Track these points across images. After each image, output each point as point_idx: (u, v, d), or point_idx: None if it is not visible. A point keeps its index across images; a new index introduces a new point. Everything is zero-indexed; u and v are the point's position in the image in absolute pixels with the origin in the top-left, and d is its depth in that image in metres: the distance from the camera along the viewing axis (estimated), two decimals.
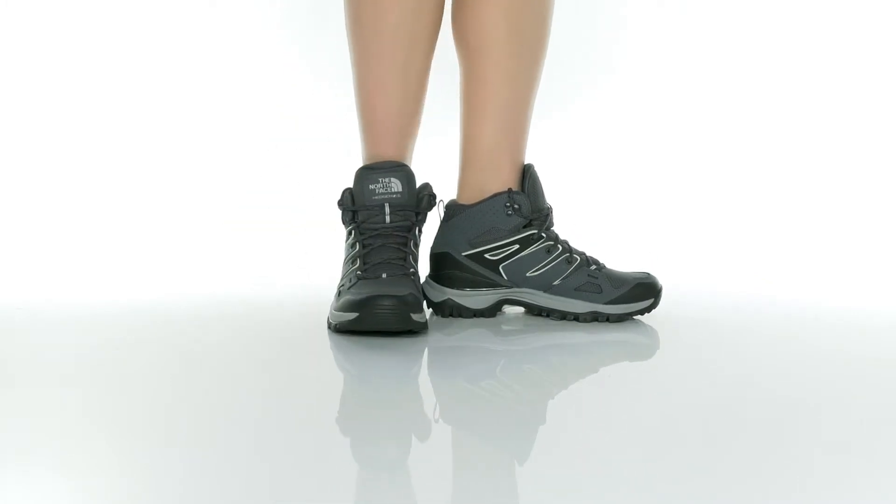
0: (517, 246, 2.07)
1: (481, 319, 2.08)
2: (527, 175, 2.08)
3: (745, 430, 1.58)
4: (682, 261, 2.66)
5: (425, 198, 2.03)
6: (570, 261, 2.07)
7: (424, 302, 2.06)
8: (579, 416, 1.65)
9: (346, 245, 2.04)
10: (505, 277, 2.07)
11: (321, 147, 3.02)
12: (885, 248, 2.81)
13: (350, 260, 2.01)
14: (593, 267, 2.08)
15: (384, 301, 1.91)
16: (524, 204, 2.06)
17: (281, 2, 3.18)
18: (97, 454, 1.45)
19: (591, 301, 2.06)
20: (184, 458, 1.44)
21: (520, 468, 1.44)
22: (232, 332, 2.03)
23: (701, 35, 3.25)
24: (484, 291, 2.08)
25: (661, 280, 2.11)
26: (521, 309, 2.14)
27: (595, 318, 2.06)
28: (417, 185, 2.04)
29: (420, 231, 2.04)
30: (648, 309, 2.08)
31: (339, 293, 1.99)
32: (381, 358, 1.86)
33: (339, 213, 2.04)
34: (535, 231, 2.07)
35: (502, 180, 2.07)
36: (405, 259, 1.99)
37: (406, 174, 2.01)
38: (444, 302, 2.08)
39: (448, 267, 2.08)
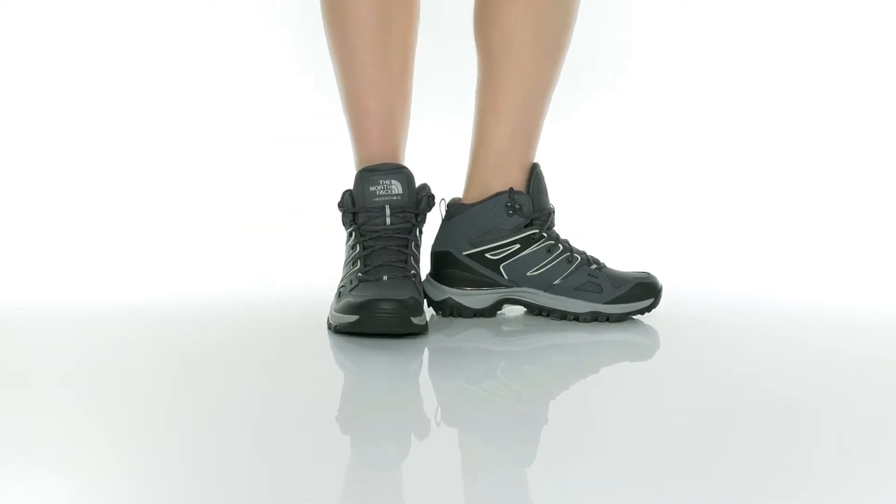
0: (518, 245, 2.07)
1: (481, 320, 2.08)
2: (532, 174, 2.08)
3: (745, 430, 1.58)
4: (682, 261, 2.66)
5: (424, 199, 2.03)
6: (570, 260, 2.08)
7: (425, 303, 2.06)
8: (579, 417, 1.65)
9: (347, 247, 2.04)
10: (505, 277, 2.07)
11: (321, 147, 3.02)
12: (885, 248, 2.81)
13: (351, 261, 2.01)
14: (594, 266, 2.08)
15: (384, 305, 1.91)
16: (525, 204, 2.06)
17: (281, 2, 3.18)
18: (97, 454, 1.45)
19: (591, 301, 2.06)
20: (184, 457, 1.44)
21: (520, 468, 1.44)
22: (232, 332, 2.03)
23: (700, 36, 3.25)
24: (484, 291, 2.08)
25: (662, 280, 2.11)
26: (522, 309, 2.14)
27: (595, 317, 2.06)
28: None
29: (420, 232, 2.04)
30: (648, 308, 2.08)
31: (340, 294, 1.99)
32: (381, 358, 1.86)
33: (339, 213, 2.04)
34: (536, 231, 2.07)
35: (508, 180, 2.08)
36: (406, 261, 1.99)
37: (406, 176, 2.01)
38: (444, 301, 2.08)
39: (449, 266, 2.08)
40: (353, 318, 1.92)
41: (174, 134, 3.15)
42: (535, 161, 2.10)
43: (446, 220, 2.09)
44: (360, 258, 2.00)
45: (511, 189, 2.07)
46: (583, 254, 2.09)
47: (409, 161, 2.09)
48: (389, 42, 2.02)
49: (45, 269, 2.52)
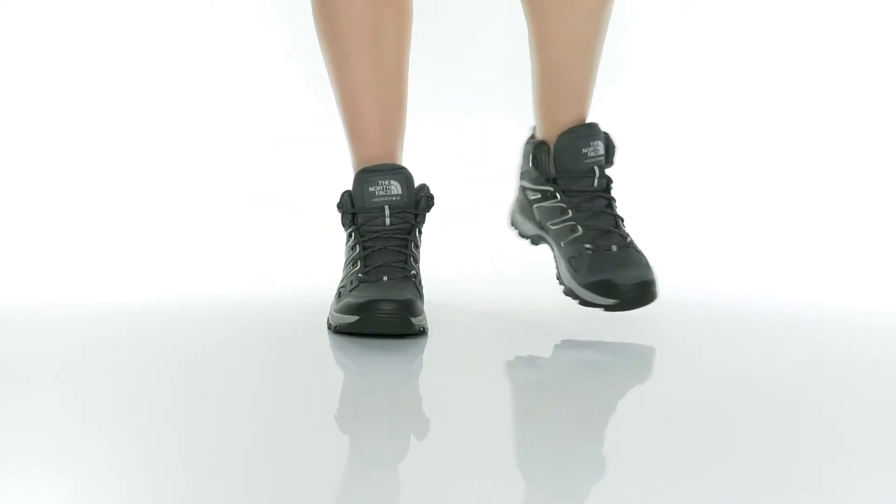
0: (539, 195, 2.09)
1: (481, 320, 2.07)
2: (564, 136, 2.07)
3: (745, 431, 1.58)
4: (682, 261, 2.66)
5: (423, 199, 2.03)
6: (572, 230, 2.05)
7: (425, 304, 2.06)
8: (579, 416, 1.65)
9: (347, 247, 2.04)
10: (536, 218, 2.10)
11: (321, 147, 3.02)
12: (885, 248, 2.81)
13: (350, 262, 2.01)
14: (587, 246, 2.04)
15: (385, 305, 1.91)
16: (543, 160, 2.08)
17: (281, 2, 3.18)
18: (97, 454, 1.45)
19: (570, 276, 2.03)
20: (184, 457, 1.44)
21: (520, 468, 1.44)
22: (232, 332, 2.03)
23: (699, 35, 3.25)
24: (529, 222, 2.14)
25: (654, 289, 2.01)
26: (523, 309, 2.13)
27: (569, 293, 2.03)
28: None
29: (420, 232, 2.04)
30: (609, 308, 2.01)
31: (340, 294, 1.99)
32: (381, 358, 1.86)
33: (339, 213, 2.04)
34: (551, 189, 2.08)
35: (544, 133, 2.10)
36: (406, 261, 2.00)
37: (405, 176, 2.01)
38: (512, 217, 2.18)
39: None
40: (354, 318, 1.92)
41: (174, 134, 3.15)
42: (589, 121, 2.10)
43: None
44: (359, 259, 2.00)
45: (540, 141, 2.10)
46: (595, 229, 2.05)
47: (407, 161, 2.09)
48: (382, 44, 2.03)
49: (45, 269, 2.52)
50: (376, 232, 2.00)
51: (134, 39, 3.17)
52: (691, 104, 3.22)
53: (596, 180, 2.06)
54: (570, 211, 2.06)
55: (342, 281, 2.01)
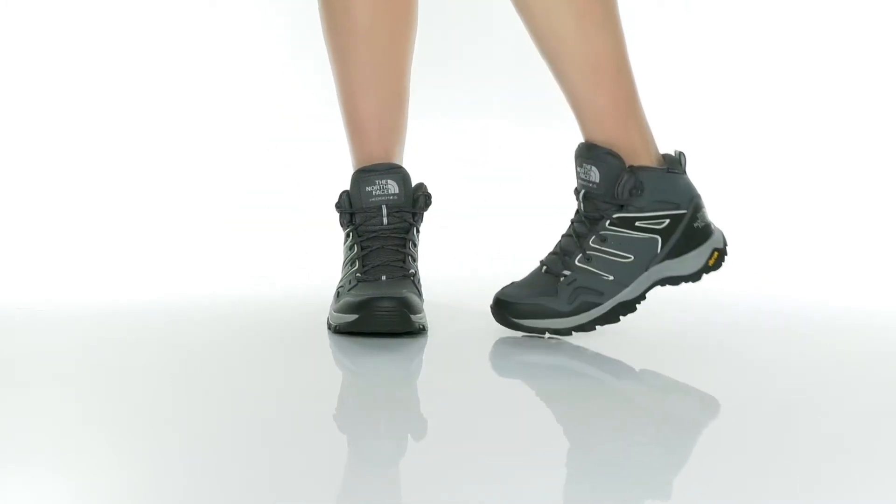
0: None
1: (481, 320, 2.07)
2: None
3: (745, 430, 1.58)
4: None
5: (421, 198, 2.03)
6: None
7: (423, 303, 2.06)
8: (579, 416, 1.65)
9: (345, 247, 2.04)
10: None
11: (321, 147, 3.02)
12: (885, 248, 2.81)
13: (349, 262, 2.01)
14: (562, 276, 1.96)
15: (384, 303, 1.91)
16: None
17: (281, 2, 3.18)
18: (97, 454, 1.45)
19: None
20: (183, 457, 1.44)
21: (519, 468, 1.44)
22: (232, 332, 2.03)
23: (699, 36, 3.25)
24: None
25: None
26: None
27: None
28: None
29: (418, 231, 2.04)
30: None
31: (339, 294, 1.99)
32: (381, 358, 1.86)
33: (337, 213, 2.04)
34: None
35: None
36: (404, 260, 2.00)
37: (402, 176, 2.01)
38: None
39: None
40: (353, 317, 1.93)
41: (174, 134, 3.15)
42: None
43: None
44: (358, 258, 2.00)
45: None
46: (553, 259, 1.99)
47: (407, 161, 2.09)
48: (383, 44, 2.03)
49: (45, 269, 2.52)
50: (374, 231, 2.00)
51: (134, 39, 3.17)
52: (691, 104, 3.22)
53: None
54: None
55: (341, 281, 2.01)
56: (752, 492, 1.36)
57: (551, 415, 1.66)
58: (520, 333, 1.97)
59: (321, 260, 2.33)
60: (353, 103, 2.04)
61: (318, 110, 3.10)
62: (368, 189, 2.01)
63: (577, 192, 1.97)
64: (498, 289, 1.98)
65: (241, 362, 1.86)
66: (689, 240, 1.96)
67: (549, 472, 1.42)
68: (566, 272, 1.94)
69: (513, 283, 1.98)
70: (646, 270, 1.94)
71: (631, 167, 1.93)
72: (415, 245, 2.03)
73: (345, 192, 2.03)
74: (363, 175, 2.01)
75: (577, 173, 1.97)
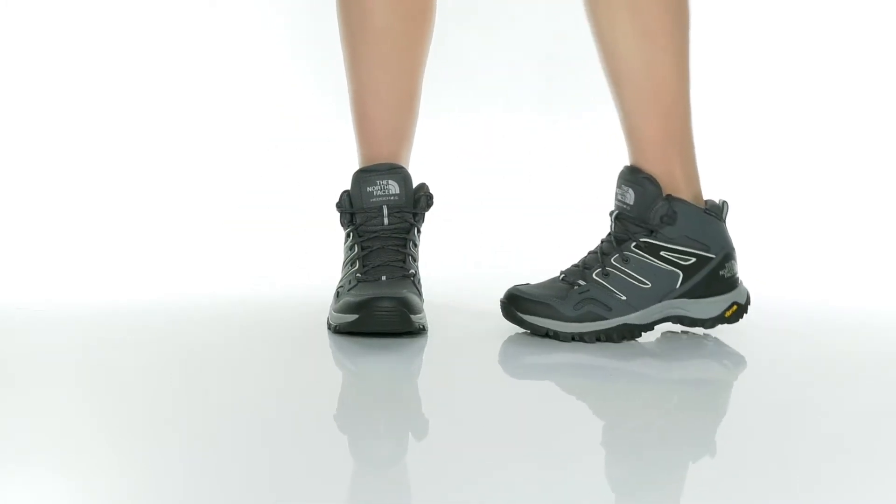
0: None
1: (481, 320, 2.07)
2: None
3: (745, 430, 1.58)
4: None
5: (422, 198, 2.03)
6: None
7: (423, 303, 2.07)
8: (580, 416, 1.65)
9: (345, 247, 2.04)
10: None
11: (321, 147, 3.02)
12: (885, 248, 2.81)
13: (349, 262, 2.01)
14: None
15: (383, 303, 1.91)
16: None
17: (281, 2, 3.18)
18: (97, 454, 1.45)
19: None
20: (183, 457, 1.44)
21: (520, 468, 1.44)
22: (232, 332, 2.03)
23: (699, 36, 3.25)
24: None
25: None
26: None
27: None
28: (414, 185, 2.04)
29: (419, 231, 2.04)
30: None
31: (338, 294, 1.99)
32: (381, 358, 1.86)
33: (338, 214, 2.04)
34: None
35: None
36: (404, 261, 2.00)
37: (403, 176, 2.01)
38: None
39: None
40: (353, 317, 1.92)
41: (174, 134, 3.15)
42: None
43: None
44: (358, 259, 2.00)
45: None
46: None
47: (412, 162, 2.09)
48: (396, 45, 2.02)
49: (45, 269, 2.52)
50: (374, 232, 2.00)
51: (134, 39, 3.17)
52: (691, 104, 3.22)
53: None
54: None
55: (341, 281, 2.01)
56: (752, 491, 1.36)
57: (552, 415, 1.66)
58: (521, 333, 1.97)
59: (321, 260, 2.33)
60: (363, 103, 2.04)
61: (318, 110, 3.10)
62: (369, 189, 2.01)
63: (611, 214, 1.99)
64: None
65: (241, 362, 1.86)
66: (711, 285, 1.97)
67: (549, 473, 1.42)
68: (581, 282, 1.95)
69: (528, 283, 1.99)
70: (660, 301, 1.95)
71: (668, 196, 1.94)
72: (415, 245, 2.03)
73: (345, 192, 2.03)
74: (364, 175, 2.01)
75: (616, 194, 1.99)
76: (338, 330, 1.96)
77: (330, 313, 1.99)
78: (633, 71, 1.95)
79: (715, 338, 2.00)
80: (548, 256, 2.20)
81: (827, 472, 1.42)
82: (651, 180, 1.94)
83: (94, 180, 3.06)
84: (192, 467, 1.41)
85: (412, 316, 1.92)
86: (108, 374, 1.78)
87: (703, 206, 1.97)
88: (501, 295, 1.97)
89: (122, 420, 1.57)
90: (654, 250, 1.95)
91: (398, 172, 2.01)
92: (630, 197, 1.95)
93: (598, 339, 1.94)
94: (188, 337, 1.99)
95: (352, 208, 2.02)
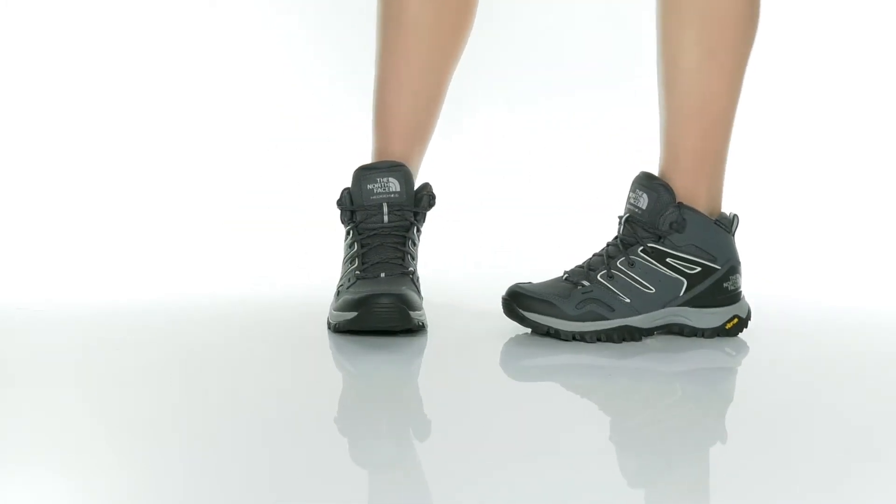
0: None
1: (481, 320, 2.07)
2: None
3: (745, 430, 1.58)
4: None
5: (425, 197, 2.03)
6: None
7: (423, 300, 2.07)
8: (580, 416, 1.65)
9: (345, 245, 2.04)
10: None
11: (321, 147, 3.02)
12: (885, 248, 2.81)
13: (349, 260, 2.01)
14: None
15: (382, 299, 1.91)
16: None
17: (281, 2, 3.18)
18: (97, 454, 1.45)
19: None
20: (183, 457, 1.44)
21: (520, 469, 1.44)
22: (232, 331, 2.03)
23: None
24: None
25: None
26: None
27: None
28: (417, 184, 2.04)
29: (419, 230, 2.04)
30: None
31: (338, 293, 1.99)
32: (381, 358, 1.86)
33: (338, 212, 2.04)
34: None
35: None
36: (403, 258, 2.00)
37: (404, 174, 2.01)
38: None
39: None
40: (352, 314, 1.92)
41: (174, 134, 3.15)
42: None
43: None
44: (357, 256, 2.00)
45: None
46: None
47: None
48: (431, 55, 2.02)
49: (45, 269, 2.52)
50: (374, 229, 2.00)
51: (134, 39, 3.17)
52: None
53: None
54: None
55: (340, 279, 2.01)
56: (752, 491, 1.36)
57: (552, 415, 1.66)
58: (522, 333, 1.97)
59: (321, 260, 2.33)
60: (384, 92, 2.04)
61: (318, 110, 3.10)
62: (370, 187, 2.01)
63: (620, 217, 1.99)
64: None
65: (240, 362, 1.86)
66: (714, 296, 1.97)
67: (549, 473, 1.42)
68: (585, 283, 1.95)
69: (531, 282, 1.99)
70: (662, 308, 1.95)
71: (679, 203, 1.95)
72: (415, 244, 2.03)
73: (346, 190, 2.03)
74: (365, 172, 2.01)
75: (628, 198, 1.99)
76: (337, 328, 1.95)
77: (330, 312, 1.99)
78: (686, 83, 1.96)
79: (716, 338, 2.00)
80: (548, 256, 2.20)
81: (827, 472, 1.42)
82: (666, 187, 1.95)
83: (95, 180, 3.06)
84: (192, 467, 1.41)
85: (411, 312, 1.92)
86: (108, 374, 1.78)
87: (714, 219, 1.97)
88: (502, 294, 1.97)
89: (122, 420, 1.57)
90: (660, 256, 1.95)
91: (399, 170, 2.01)
92: (643, 201, 1.96)
93: (599, 339, 1.94)
94: (188, 337, 1.99)
95: (352, 205, 2.02)
